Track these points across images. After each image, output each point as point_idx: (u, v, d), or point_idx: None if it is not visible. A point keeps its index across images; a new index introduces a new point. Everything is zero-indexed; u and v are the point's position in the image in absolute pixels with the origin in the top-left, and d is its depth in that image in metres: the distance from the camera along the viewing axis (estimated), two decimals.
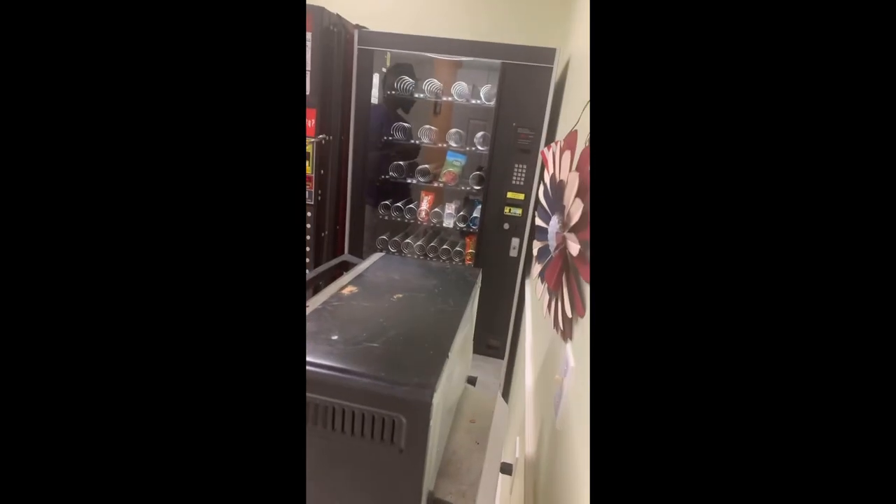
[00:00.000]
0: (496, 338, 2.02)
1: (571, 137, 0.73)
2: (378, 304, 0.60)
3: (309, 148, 1.70)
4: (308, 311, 0.57)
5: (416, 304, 0.62)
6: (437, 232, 2.29)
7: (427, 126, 1.97)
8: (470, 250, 2.10)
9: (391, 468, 0.46)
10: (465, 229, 2.09)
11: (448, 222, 2.08)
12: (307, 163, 1.71)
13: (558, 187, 0.71)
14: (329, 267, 0.76)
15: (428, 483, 0.50)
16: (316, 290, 0.70)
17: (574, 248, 0.66)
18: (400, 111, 2.12)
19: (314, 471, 0.48)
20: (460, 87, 1.90)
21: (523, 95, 1.73)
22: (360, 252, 2.04)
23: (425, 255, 2.12)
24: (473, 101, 1.90)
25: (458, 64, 1.95)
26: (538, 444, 0.88)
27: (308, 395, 0.45)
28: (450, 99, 1.92)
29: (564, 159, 0.70)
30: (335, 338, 0.51)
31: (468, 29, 2.01)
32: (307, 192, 1.75)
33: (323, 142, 1.71)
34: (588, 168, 0.65)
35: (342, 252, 2.03)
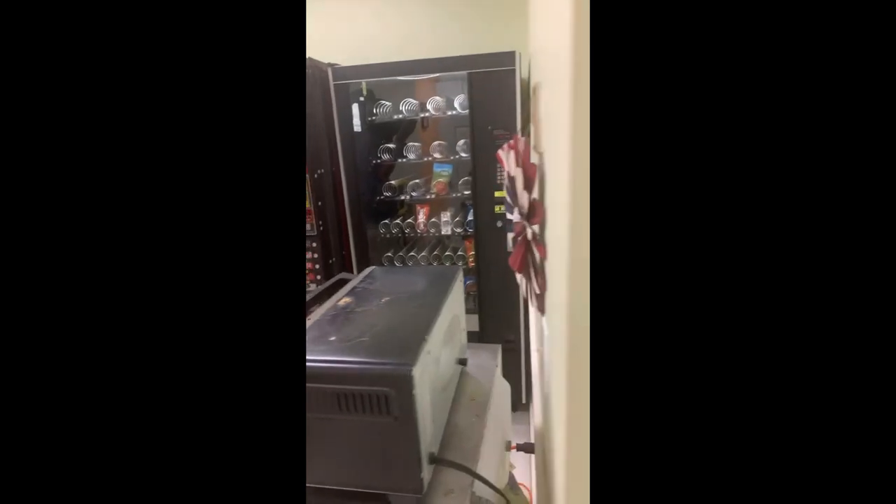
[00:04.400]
0: (512, 332, 2.10)
1: (515, 139, 0.83)
2: (368, 308, 0.71)
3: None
4: (309, 323, 0.67)
5: (399, 303, 0.73)
6: (439, 241, 2.40)
7: (411, 143, 2.09)
8: (472, 252, 2.19)
9: (391, 435, 0.56)
10: (464, 234, 2.19)
11: (446, 230, 2.19)
12: (305, 198, 1.84)
13: (511, 183, 0.81)
14: (328, 286, 0.87)
15: (428, 446, 0.60)
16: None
17: (530, 233, 0.76)
18: (390, 135, 2.25)
19: (326, 451, 0.58)
20: (435, 102, 2.02)
21: (493, 99, 1.83)
22: None
23: (430, 264, 2.22)
24: (450, 112, 2.02)
25: (433, 80, 2.07)
26: (543, 415, 0.97)
27: (313, 385, 0.56)
28: (427, 114, 2.04)
29: (511, 158, 0.80)
30: (332, 339, 0.61)
31: (436, 47, 2.12)
32: (309, 225, 1.88)
33: (317, 175, 1.84)
34: (528, 162, 0.74)
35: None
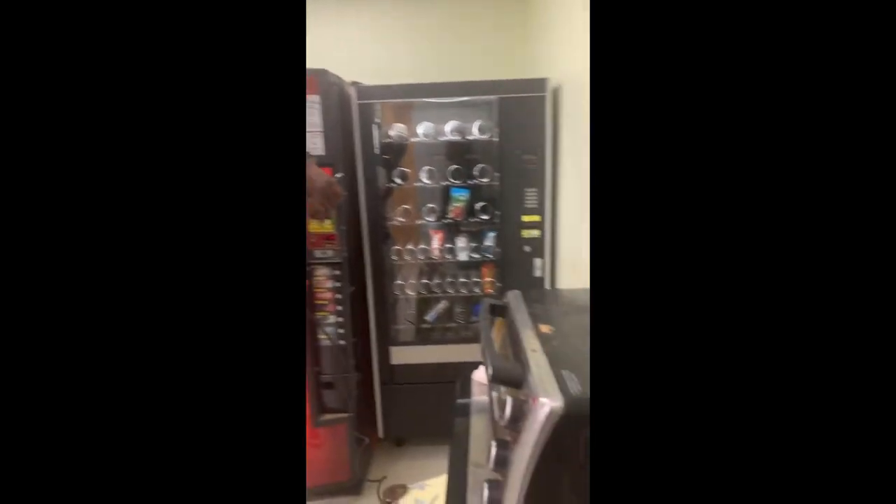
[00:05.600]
0: None
1: None
2: (579, 337, 0.63)
3: None
4: (536, 356, 0.58)
5: None
6: (433, 268, 2.29)
7: (428, 167, 2.02)
8: (488, 279, 2.14)
9: None
10: (480, 259, 2.13)
11: (462, 255, 2.12)
12: (330, 221, 1.69)
13: None
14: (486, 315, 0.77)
15: None
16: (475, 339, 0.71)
17: None
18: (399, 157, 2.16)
19: None
20: (452, 125, 1.98)
21: (523, 124, 1.84)
22: (384, 300, 2.02)
23: (442, 292, 2.13)
24: (468, 137, 1.99)
25: (453, 105, 2.03)
26: None
27: None
28: (444, 138, 1.99)
29: None
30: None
31: (458, 71, 2.09)
32: (333, 252, 1.73)
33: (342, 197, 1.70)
34: None
35: (365, 306, 1.99)
